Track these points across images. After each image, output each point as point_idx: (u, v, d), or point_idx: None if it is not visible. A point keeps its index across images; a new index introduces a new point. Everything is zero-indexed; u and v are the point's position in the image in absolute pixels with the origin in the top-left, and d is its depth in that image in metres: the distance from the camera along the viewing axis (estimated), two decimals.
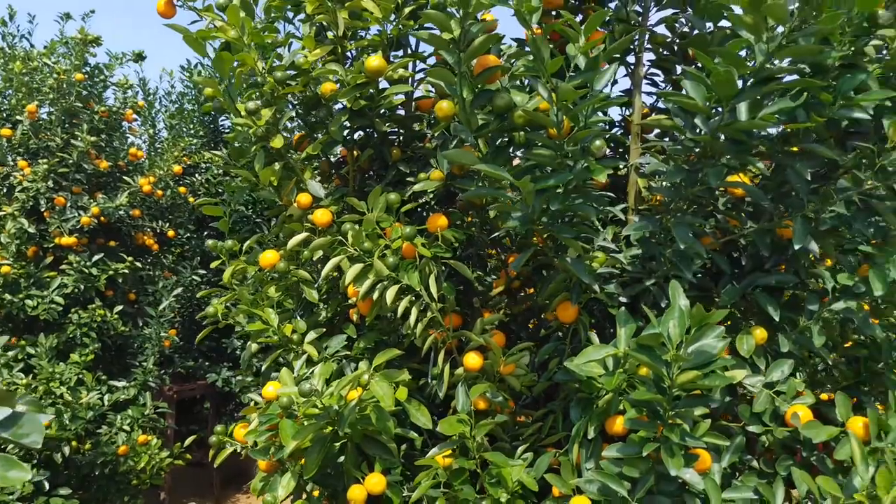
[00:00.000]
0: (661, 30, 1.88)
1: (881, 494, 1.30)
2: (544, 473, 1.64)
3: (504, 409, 1.81)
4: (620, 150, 2.06)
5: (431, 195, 1.86)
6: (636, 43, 1.78)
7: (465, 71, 1.33)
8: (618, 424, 1.55)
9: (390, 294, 1.59)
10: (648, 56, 2.02)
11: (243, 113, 1.66)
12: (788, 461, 1.59)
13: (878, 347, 1.94)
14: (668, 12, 1.83)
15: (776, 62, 1.34)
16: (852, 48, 1.49)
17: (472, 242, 2.11)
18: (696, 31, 1.65)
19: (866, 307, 1.91)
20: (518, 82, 1.45)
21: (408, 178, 1.85)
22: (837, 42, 1.46)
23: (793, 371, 1.76)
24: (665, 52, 1.85)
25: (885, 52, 1.55)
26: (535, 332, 2.30)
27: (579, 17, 1.94)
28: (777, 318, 1.66)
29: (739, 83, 1.32)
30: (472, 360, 1.70)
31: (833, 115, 1.46)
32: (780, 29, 1.27)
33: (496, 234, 2.08)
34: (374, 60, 1.59)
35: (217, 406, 5.79)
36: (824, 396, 2.01)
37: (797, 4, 1.23)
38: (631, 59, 1.90)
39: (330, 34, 1.71)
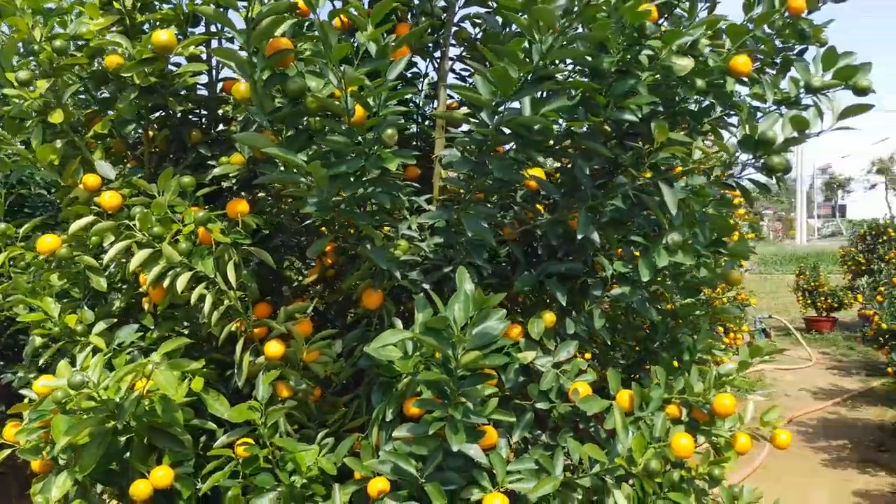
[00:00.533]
0: (469, 26, 1.95)
1: (637, 457, 1.45)
2: (345, 457, 1.66)
3: (309, 397, 1.81)
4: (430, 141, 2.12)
5: (234, 180, 1.81)
6: (442, 37, 1.84)
7: (255, 52, 1.30)
8: (413, 406, 1.60)
9: (182, 281, 1.53)
10: (458, 51, 2.09)
11: (15, 83, 1.51)
12: (570, 433, 1.73)
13: (655, 329, 2.16)
14: (473, 9, 1.91)
15: (555, 62, 1.44)
16: (627, 56, 1.63)
17: (282, 229, 2.08)
18: (494, 29, 1.73)
19: (660, 293, 2.12)
20: (315, 67, 1.45)
21: (209, 162, 1.78)
22: (614, 49, 1.60)
23: (578, 351, 1.91)
24: (468, 48, 1.93)
25: (656, 61, 1.72)
26: (354, 321, 2.31)
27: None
28: (564, 303, 1.79)
29: (524, 80, 1.41)
30: (273, 348, 1.68)
31: (608, 116, 1.60)
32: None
33: (308, 221, 2.06)
34: (162, 35, 1.51)
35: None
36: None
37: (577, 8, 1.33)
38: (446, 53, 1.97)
39: (117, 3, 1.60)
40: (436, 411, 1.47)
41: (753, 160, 1.52)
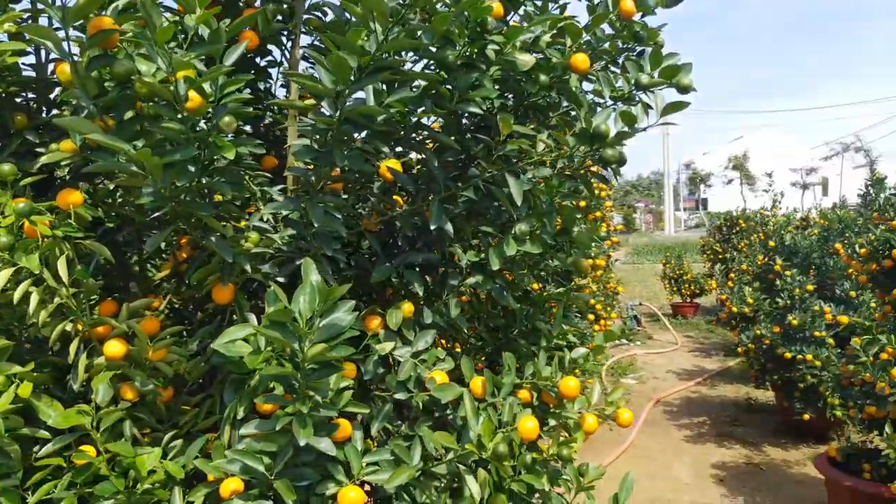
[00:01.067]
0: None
1: (486, 442, 1.50)
2: (196, 459, 1.60)
3: (158, 398, 1.73)
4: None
5: (68, 169, 1.69)
6: (292, 25, 1.81)
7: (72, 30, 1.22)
8: (260, 402, 1.56)
9: (2, 278, 1.41)
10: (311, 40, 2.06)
11: None
12: (428, 422, 1.75)
13: (514, 316, 2.24)
14: None
15: (399, 53, 1.45)
16: (473, 49, 1.67)
17: (130, 222, 1.96)
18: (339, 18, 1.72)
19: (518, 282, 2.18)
20: (144, 50, 1.37)
21: (39, 150, 1.65)
22: (459, 42, 1.63)
23: (444, 340, 1.94)
24: (318, 37, 1.91)
25: (501, 56, 1.76)
26: (207, 317, 2.23)
27: None
28: (422, 293, 1.81)
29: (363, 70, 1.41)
30: (112, 347, 1.59)
31: (454, 108, 1.63)
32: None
33: (157, 213, 1.96)
34: None
35: None
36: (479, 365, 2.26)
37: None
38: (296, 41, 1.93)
39: None
40: (288, 406, 1.45)
41: (591, 153, 1.60)
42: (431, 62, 1.71)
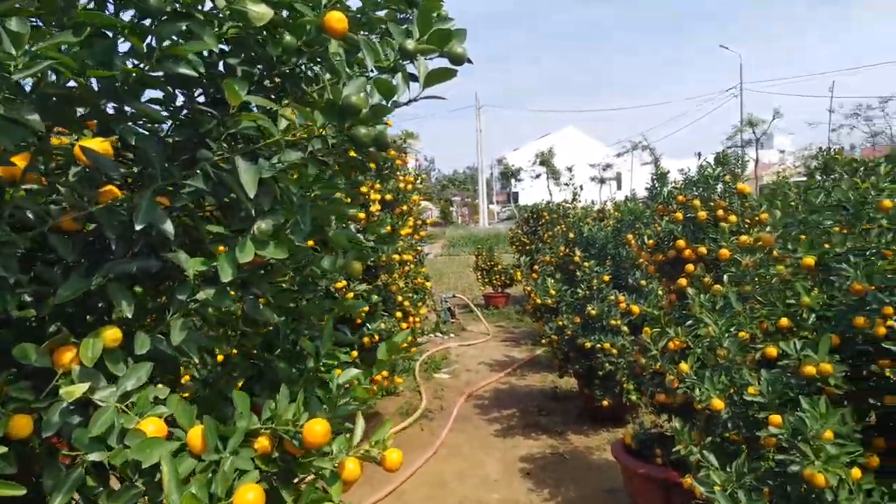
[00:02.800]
0: None
1: None
2: None
3: None
4: None
5: None
6: None
7: None
8: None
9: None
10: None
11: None
12: (130, 493, 1.32)
13: (278, 333, 1.85)
14: None
15: None
16: None
17: None
18: None
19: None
20: None
21: None
22: None
23: (170, 373, 1.51)
24: None
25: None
26: None
27: None
28: (130, 314, 1.37)
29: None
30: None
31: (155, 67, 1.21)
32: None
33: None
34: None
35: None
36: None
37: None
38: None
39: None
40: None
41: (341, 133, 1.26)
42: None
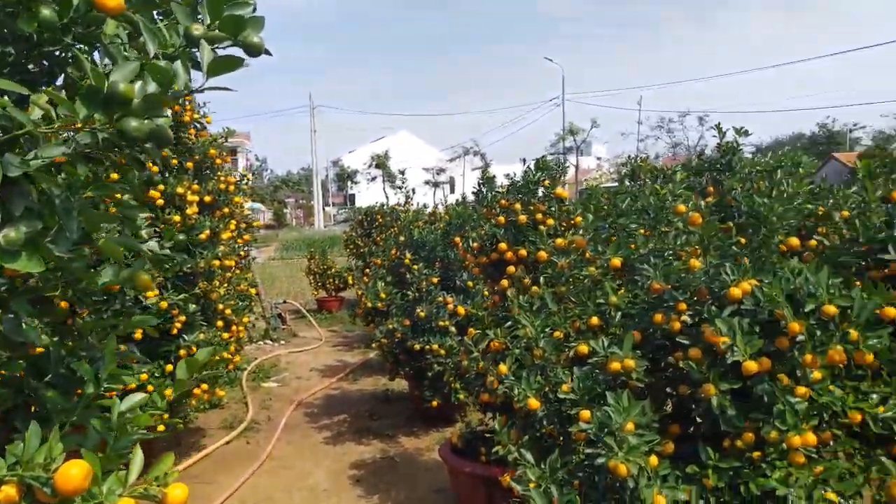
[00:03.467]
0: None
1: None
2: None
3: None
4: None
5: None
6: None
7: None
8: None
9: None
10: None
11: None
12: None
13: (48, 356, 1.61)
14: None
15: None
16: None
17: None
18: None
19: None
20: None
21: None
22: None
23: None
24: None
25: None
26: None
27: None
28: None
29: None
30: None
31: None
32: None
33: None
34: None
35: None
36: None
37: None
38: None
39: None
40: None
41: (108, 125, 1.09)
42: None
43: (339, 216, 55.18)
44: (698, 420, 2.58)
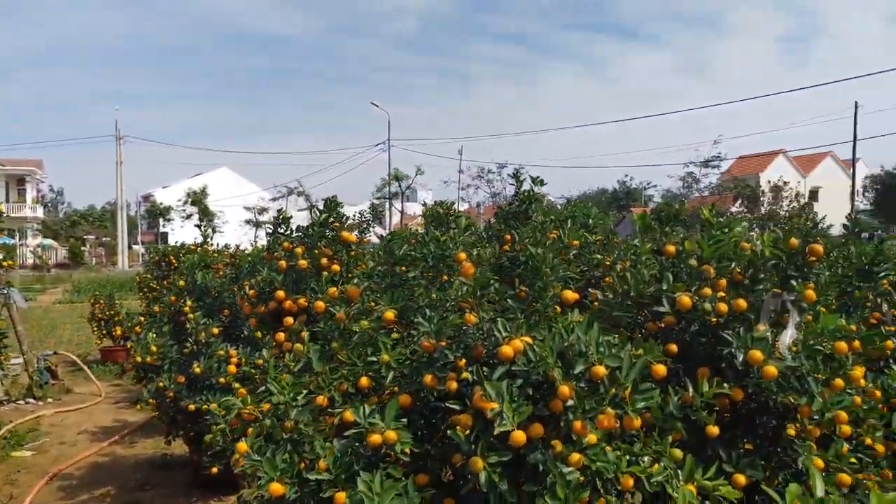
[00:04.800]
0: None
1: None
2: None
3: None
4: None
5: None
6: None
7: None
8: None
9: None
10: None
11: None
12: None
13: None
14: None
15: None
16: None
17: None
18: None
19: None
20: None
21: None
22: None
23: None
24: None
25: None
26: None
27: None
28: None
29: None
30: None
31: None
32: None
33: None
34: None
35: None
36: None
37: None
38: None
39: None
40: None
41: None
42: None
43: (147, 256, 51.11)
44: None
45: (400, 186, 48.04)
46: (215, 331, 5.09)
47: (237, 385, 5.06)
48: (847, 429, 2.72)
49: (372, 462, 2.22)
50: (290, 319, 3.65)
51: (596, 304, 2.93)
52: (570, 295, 2.66)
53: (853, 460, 2.80)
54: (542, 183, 4.94)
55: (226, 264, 7.87)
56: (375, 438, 2.17)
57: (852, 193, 39.73)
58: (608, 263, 4.01)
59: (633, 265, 2.76)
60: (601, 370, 2.10)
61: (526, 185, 4.85)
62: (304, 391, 2.49)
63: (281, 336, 3.61)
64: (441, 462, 2.55)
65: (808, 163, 50.47)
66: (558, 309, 2.89)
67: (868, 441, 2.88)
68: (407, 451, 2.23)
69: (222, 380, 4.95)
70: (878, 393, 3.02)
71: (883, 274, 4.58)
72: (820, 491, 1.01)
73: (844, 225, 4.46)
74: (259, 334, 5.27)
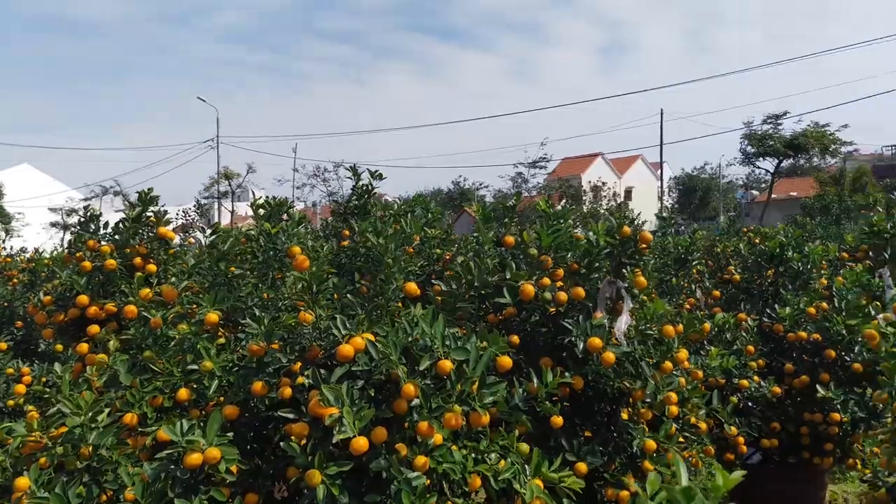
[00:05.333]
0: None
1: None
2: None
3: None
4: None
5: None
6: None
7: None
8: None
9: None
10: None
11: None
12: None
13: None
14: None
15: None
16: None
17: None
18: None
19: None
20: None
21: None
22: None
23: None
24: None
25: None
26: None
27: None
28: None
29: None
30: None
31: None
32: None
33: None
34: None
35: None
36: None
37: None
38: None
39: None
40: None
41: None
42: None
43: None
44: None
45: (230, 185, 45.70)
46: (2, 346, 4.37)
47: (30, 407, 4.39)
48: (675, 409, 2.83)
49: (190, 486, 1.92)
50: (95, 328, 3.18)
51: (439, 298, 2.82)
52: (414, 288, 2.52)
53: (681, 439, 2.93)
54: (380, 177, 4.78)
55: (21, 270, 6.90)
56: (194, 458, 1.88)
57: (660, 193, 43.81)
58: (448, 258, 3.94)
59: (476, 255, 2.68)
60: (448, 365, 1.98)
61: (364, 180, 4.68)
62: (107, 409, 2.12)
63: (84, 347, 3.13)
64: (273, 478, 2.30)
65: (622, 165, 54.85)
66: (401, 304, 2.74)
67: (693, 420, 3.03)
68: (233, 469, 1.96)
69: (10, 402, 4.26)
70: (700, 373, 3.20)
71: (695, 262, 4.95)
72: (685, 480, 0.94)
73: (661, 217, 4.76)
74: (60, 347, 4.62)
